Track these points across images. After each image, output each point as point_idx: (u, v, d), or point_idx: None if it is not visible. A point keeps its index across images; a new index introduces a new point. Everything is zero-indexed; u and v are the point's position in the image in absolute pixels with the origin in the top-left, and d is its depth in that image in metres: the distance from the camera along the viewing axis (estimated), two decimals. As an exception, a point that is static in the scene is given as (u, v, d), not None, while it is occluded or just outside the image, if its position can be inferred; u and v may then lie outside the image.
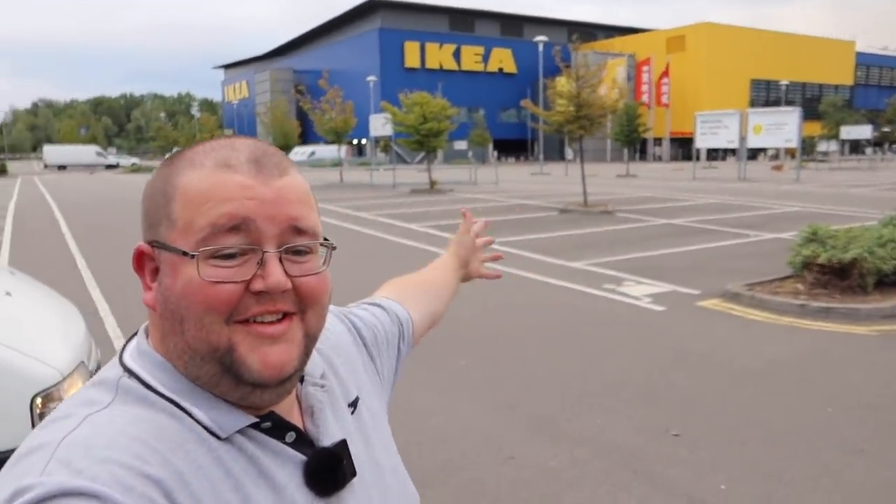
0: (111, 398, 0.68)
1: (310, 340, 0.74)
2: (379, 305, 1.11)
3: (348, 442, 0.79)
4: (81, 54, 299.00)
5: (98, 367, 3.79)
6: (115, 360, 0.74)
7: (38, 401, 2.60)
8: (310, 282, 0.72)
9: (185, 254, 0.68)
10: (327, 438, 0.77)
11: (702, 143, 33.90)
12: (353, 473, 0.77)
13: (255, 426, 0.72)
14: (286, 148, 36.24)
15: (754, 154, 46.75)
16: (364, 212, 17.42)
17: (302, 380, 0.80)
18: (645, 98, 61.46)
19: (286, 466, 0.72)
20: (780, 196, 20.67)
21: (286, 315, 0.71)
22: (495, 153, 55.66)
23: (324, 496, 0.73)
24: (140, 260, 0.73)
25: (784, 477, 3.66)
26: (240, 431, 0.70)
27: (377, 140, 50.55)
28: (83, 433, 0.62)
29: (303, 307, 0.72)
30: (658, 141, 63.37)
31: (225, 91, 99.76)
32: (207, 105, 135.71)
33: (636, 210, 16.86)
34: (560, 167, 43.52)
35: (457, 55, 68.03)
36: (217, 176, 0.70)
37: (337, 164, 36.39)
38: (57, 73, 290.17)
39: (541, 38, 42.56)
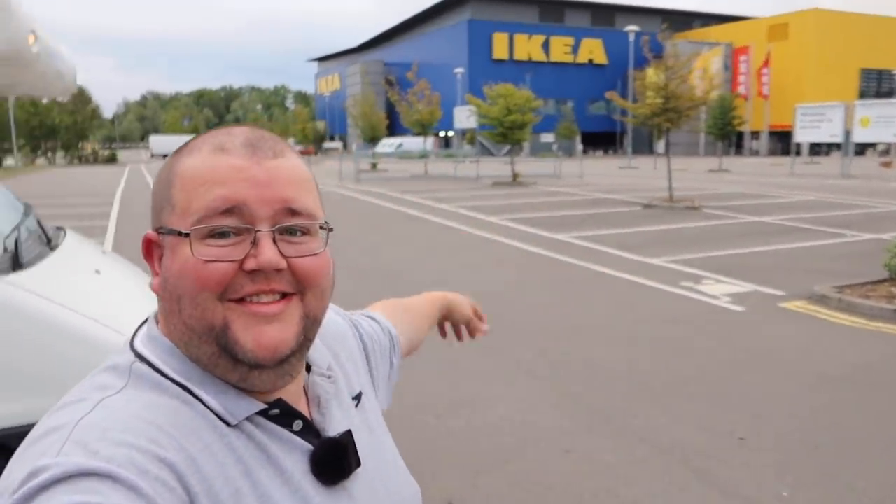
0: (124, 383, 0.69)
1: (309, 322, 0.74)
2: (372, 318, 1.11)
3: (353, 433, 0.79)
4: (186, 50, 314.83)
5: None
6: (126, 346, 0.74)
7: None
8: (306, 262, 0.72)
9: (180, 234, 0.70)
10: (333, 429, 0.78)
11: (802, 136, 32.12)
12: (358, 463, 0.78)
13: (263, 413, 0.72)
14: (374, 140, 36.98)
15: (862, 149, 43.90)
16: (445, 203, 17.59)
17: (309, 370, 0.81)
18: (742, 89, 58.76)
19: (293, 454, 0.73)
20: (886, 194, 19.37)
21: (285, 296, 0.72)
22: (579, 147, 54.71)
23: (329, 485, 0.74)
24: (148, 247, 0.75)
25: (856, 486, 3.52)
26: (248, 419, 0.71)
27: (463, 132, 50.79)
28: (99, 416, 0.63)
29: (301, 288, 0.72)
30: (756, 134, 60.49)
31: (318, 83, 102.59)
32: (301, 97, 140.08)
33: (725, 206, 16.25)
34: (649, 161, 42.34)
35: (545, 46, 67.21)
36: (212, 159, 0.71)
37: (423, 155, 36.84)
38: (164, 68, 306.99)
39: (632, 27, 41.43)
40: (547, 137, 56.07)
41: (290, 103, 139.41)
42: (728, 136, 38.08)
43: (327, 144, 69.73)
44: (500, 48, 65.55)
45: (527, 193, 20.66)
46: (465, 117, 28.46)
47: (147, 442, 0.62)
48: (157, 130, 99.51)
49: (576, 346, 5.82)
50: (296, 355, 0.73)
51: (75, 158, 54.61)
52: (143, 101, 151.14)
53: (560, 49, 67.75)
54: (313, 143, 71.64)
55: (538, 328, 6.32)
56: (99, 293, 3.17)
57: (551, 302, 7.35)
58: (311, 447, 0.74)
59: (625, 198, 18.69)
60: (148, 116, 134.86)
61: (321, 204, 0.77)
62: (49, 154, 53.08)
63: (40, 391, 2.67)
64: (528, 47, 66.48)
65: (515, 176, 24.42)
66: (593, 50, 68.78)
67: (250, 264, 0.69)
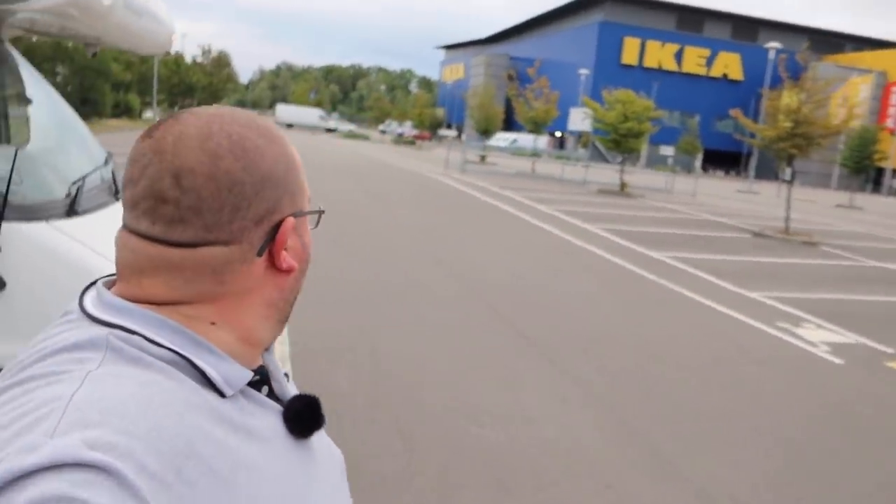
0: (100, 357, 0.61)
1: None
2: None
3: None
4: (321, 25, 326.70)
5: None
6: (82, 321, 0.65)
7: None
8: None
9: (314, 213, 0.77)
10: (287, 393, 0.76)
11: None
12: (323, 422, 0.76)
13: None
14: (486, 132, 36.86)
15: None
16: (544, 205, 17.22)
17: None
18: (890, 122, 54.20)
19: (268, 417, 0.70)
20: None
21: None
22: (697, 163, 52.23)
23: (302, 439, 0.73)
24: (283, 231, 0.71)
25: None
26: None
27: (579, 135, 49.76)
28: (92, 393, 0.56)
29: None
30: (898, 173, 55.71)
31: (443, 71, 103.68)
32: (425, 83, 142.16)
33: (846, 246, 14.97)
34: (772, 187, 39.92)
35: (678, 56, 64.66)
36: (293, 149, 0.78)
37: (535, 154, 36.38)
38: (300, 41, 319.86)
39: (774, 44, 39.01)
40: (667, 150, 53.89)
41: (413, 87, 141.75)
42: (865, 171, 35.21)
43: (442, 132, 70.48)
44: (629, 53, 63.67)
45: (631, 205, 19.90)
46: (580, 119, 27.80)
47: (147, 430, 0.55)
48: (285, 100, 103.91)
49: (644, 373, 5.45)
50: None
51: (207, 117, 57.74)
52: (277, 71, 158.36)
53: (694, 60, 64.98)
54: (430, 130, 72.51)
55: (608, 346, 5.98)
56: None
57: (628, 321, 6.95)
58: (280, 408, 0.72)
59: (735, 223, 17.61)
60: (279, 86, 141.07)
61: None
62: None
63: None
64: (660, 55, 64.18)
65: (623, 186, 23.61)
66: (729, 64, 65.53)
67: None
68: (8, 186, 2.65)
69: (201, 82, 55.16)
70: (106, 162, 3.76)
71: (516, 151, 49.09)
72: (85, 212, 3.08)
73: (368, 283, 7.39)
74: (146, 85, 45.09)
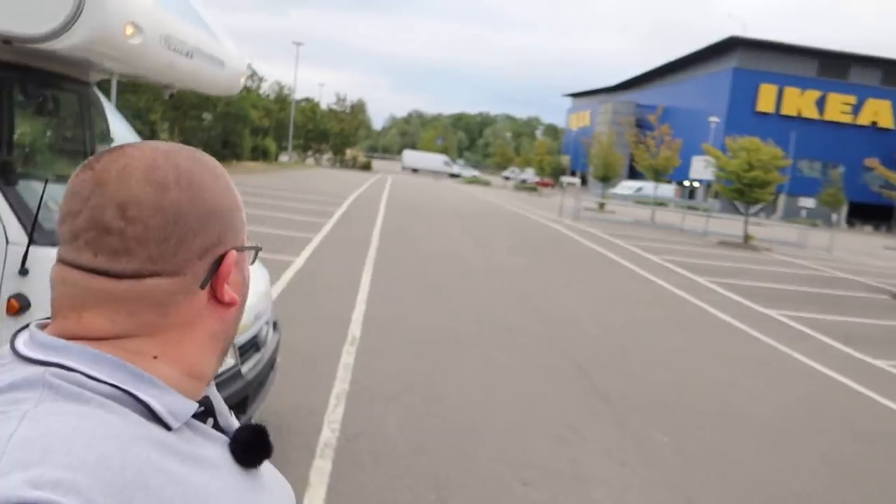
0: (37, 396, 0.58)
1: None
2: None
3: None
4: (452, 76, 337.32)
5: (274, 325, 4.07)
6: (15, 363, 0.63)
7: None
8: None
9: (246, 249, 0.76)
10: (232, 425, 0.75)
11: None
12: (271, 452, 0.74)
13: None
14: (605, 179, 36.11)
15: None
16: (654, 254, 16.44)
17: None
18: None
19: (216, 447, 0.69)
20: None
21: None
22: (839, 216, 48.32)
23: (251, 468, 0.71)
24: (223, 265, 0.72)
25: None
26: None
27: (708, 184, 47.53)
28: (31, 431, 0.54)
29: None
30: None
31: (569, 118, 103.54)
32: (551, 130, 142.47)
33: None
34: (929, 245, 36.09)
35: (820, 103, 60.71)
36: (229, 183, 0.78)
37: (660, 203, 35.05)
38: (430, 90, 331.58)
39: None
40: (807, 202, 50.46)
41: (539, 134, 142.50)
42: None
43: (565, 179, 70.03)
44: (765, 100, 60.57)
45: (753, 259, 18.58)
46: (702, 168, 26.55)
47: (93, 463, 0.54)
48: (413, 146, 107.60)
49: (724, 445, 4.90)
50: None
51: (337, 162, 61.06)
52: (408, 119, 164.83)
53: (837, 107, 60.75)
54: (553, 176, 72.21)
55: (689, 411, 5.46)
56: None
57: (719, 384, 6.34)
58: (227, 438, 0.71)
59: (873, 282, 15.95)
60: (409, 132, 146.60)
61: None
62: (316, 155, 59.96)
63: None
64: (799, 102, 60.55)
65: (748, 238, 22.13)
66: (878, 111, 60.66)
67: None
68: (37, 214, 2.81)
69: (334, 129, 58.35)
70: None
71: (639, 200, 47.70)
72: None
73: (448, 326, 7.26)
74: (283, 130, 48.32)
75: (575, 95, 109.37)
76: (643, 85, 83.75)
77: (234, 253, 0.71)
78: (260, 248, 0.79)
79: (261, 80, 45.60)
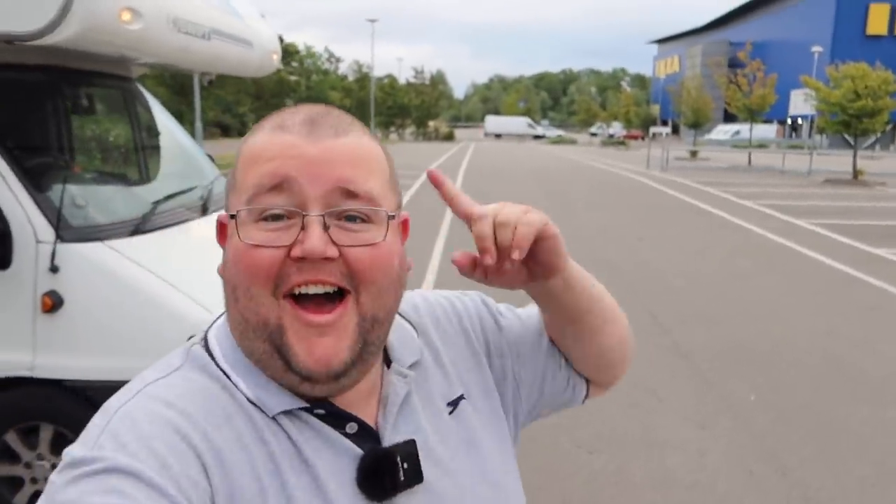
0: (179, 364, 0.70)
1: (367, 325, 0.68)
2: (519, 316, 0.95)
3: (427, 444, 0.74)
4: (530, 35, 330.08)
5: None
6: (207, 326, 0.75)
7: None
8: (361, 253, 0.66)
9: (232, 216, 0.67)
10: (397, 435, 0.72)
11: None
12: (418, 479, 0.71)
13: (308, 410, 0.69)
14: (697, 126, 34.30)
15: None
16: (749, 200, 15.40)
17: (390, 364, 0.76)
18: None
19: (339, 459, 0.68)
20: None
21: (340, 294, 0.66)
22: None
23: (373, 499, 0.68)
24: (221, 231, 0.72)
25: None
26: (291, 413, 0.68)
27: (812, 119, 44.14)
28: (135, 405, 0.64)
29: (355, 283, 0.67)
30: None
31: (656, 66, 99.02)
32: (639, 80, 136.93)
33: None
34: None
35: (941, 16, 54.92)
36: (269, 136, 0.68)
37: (762, 145, 32.87)
38: (509, 53, 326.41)
39: None
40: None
41: (626, 86, 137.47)
42: None
43: (654, 129, 67.26)
44: (876, 21, 55.34)
45: (863, 196, 17.09)
46: (801, 102, 24.62)
47: (172, 434, 0.62)
48: (497, 111, 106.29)
49: (825, 400, 4.47)
50: (355, 366, 0.68)
51: (420, 135, 61.29)
52: (489, 84, 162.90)
53: (963, 19, 54.76)
54: (642, 128, 69.48)
55: (784, 366, 5.02)
56: (207, 264, 3.22)
57: (820, 335, 5.81)
58: (362, 453, 0.69)
59: None
60: (491, 98, 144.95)
61: (396, 189, 0.74)
62: (399, 130, 60.39)
63: (120, 353, 2.81)
64: (916, 19, 55.00)
65: (858, 173, 20.38)
66: None
67: (297, 251, 0.65)
68: (59, 212, 2.84)
69: (414, 102, 58.45)
70: (211, 182, 3.94)
71: (737, 144, 45.04)
72: (155, 229, 3.20)
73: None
74: (364, 109, 48.86)
75: (661, 42, 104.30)
76: (736, 21, 78.60)
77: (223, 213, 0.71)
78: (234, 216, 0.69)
79: (338, 61, 46.20)
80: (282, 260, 0.65)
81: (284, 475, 0.66)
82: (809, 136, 42.39)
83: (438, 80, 64.75)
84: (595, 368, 0.93)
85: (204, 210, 3.61)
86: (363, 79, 51.56)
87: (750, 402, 4.39)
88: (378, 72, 65.94)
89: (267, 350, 0.67)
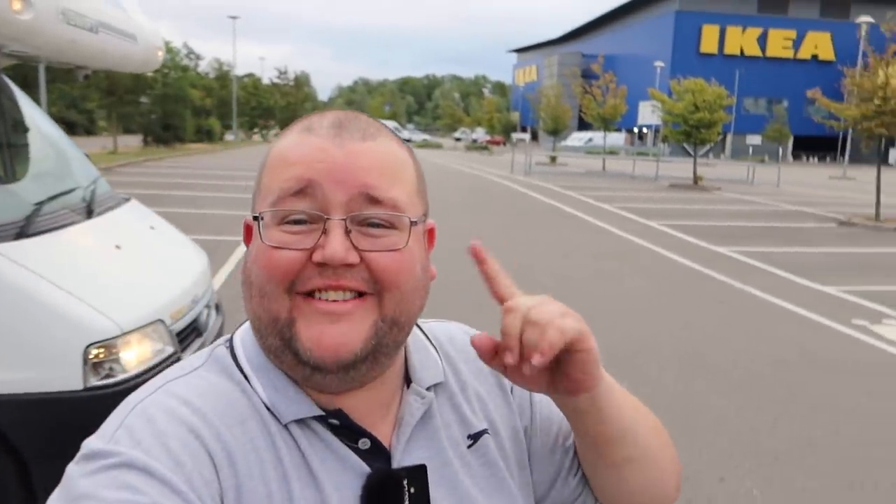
0: (200, 364, 0.71)
1: (385, 326, 0.67)
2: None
3: (442, 470, 0.72)
4: (393, 40, 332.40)
5: (217, 308, 3.92)
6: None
7: (94, 350, 2.69)
8: (383, 258, 0.65)
9: (255, 218, 0.67)
10: (408, 457, 0.71)
11: None
12: None
13: (322, 420, 0.68)
14: (555, 132, 36.22)
15: None
16: (607, 203, 16.55)
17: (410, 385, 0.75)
18: None
19: (346, 475, 0.67)
20: None
21: (361, 295, 0.65)
22: (781, 151, 49.36)
23: None
24: (247, 233, 0.71)
25: None
26: (304, 422, 0.68)
27: (656, 129, 48.01)
28: (154, 401, 0.65)
29: (377, 288, 0.66)
30: None
31: (515, 74, 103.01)
32: (499, 87, 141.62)
33: (948, 231, 13.58)
34: (871, 172, 37.19)
35: (762, 40, 61.46)
36: (297, 139, 0.68)
37: (612, 152, 35.15)
38: (372, 56, 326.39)
39: (865, 18, 36.27)
40: (753, 139, 51.32)
41: (487, 93, 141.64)
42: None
43: (516, 135, 69.87)
44: (708, 41, 61.04)
45: (703, 199, 18.88)
46: (649, 113, 26.72)
47: (187, 433, 0.63)
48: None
49: (682, 381, 4.96)
50: (366, 362, 0.66)
51: (285, 136, 59.75)
52: (353, 87, 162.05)
53: (779, 43, 61.59)
54: (504, 134, 72.00)
55: (650, 356, 5.50)
56: (103, 270, 3.08)
57: (679, 326, 6.42)
58: (370, 472, 0.68)
59: (819, 212, 16.36)
60: (356, 101, 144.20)
61: (423, 197, 0.73)
62: (263, 131, 58.66)
63: (16, 364, 2.63)
64: (742, 41, 61.20)
65: (697, 179, 22.45)
66: (819, 44, 61.73)
67: (317, 256, 0.64)
68: None
69: (279, 103, 56.95)
70: (90, 181, 3.72)
71: (590, 150, 47.92)
72: (41, 232, 3.01)
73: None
74: (226, 109, 46.97)
75: (520, 51, 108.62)
76: (588, 34, 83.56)
77: (248, 219, 0.71)
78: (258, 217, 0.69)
79: (198, 58, 44.10)
80: (303, 263, 0.65)
81: (291, 484, 0.65)
82: (654, 143, 45.94)
83: (303, 80, 63.45)
84: (611, 503, 0.84)
85: (89, 213, 3.43)
86: (224, 77, 49.55)
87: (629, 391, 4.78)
88: (239, 70, 63.63)
89: (279, 346, 0.66)
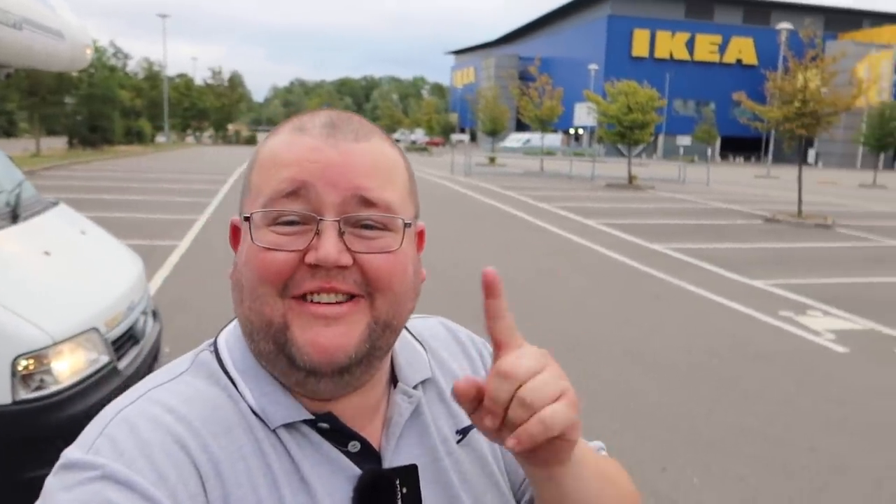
0: (185, 369, 0.69)
1: (378, 329, 0.66)
2: None
3: (432, 467, 0.71)
4: (329, 41, 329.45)
5: (154, 314, 3.80)
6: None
7: (23, 362, 2.57)
8: (376, 260, 0.64)
9: (246, 219, 0.66)
10: (399, 457, 0.70)
11: (979, 153, 28.20)
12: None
13: (311, 424, 0.67)
14: (494, 133, 36.60)
15: None
16: (546, 203, 16.83)
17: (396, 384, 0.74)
18: (913, 97, 52.76)
19: (336, 478, 0.66)
20: None
21: (352, 298, 0.64)
22: (710, 152, 51.23)
23: None
24: (234, 234, 0.70)
25: None
26: (293, 426, 0.66)
27: (592, 130, 49.13)
28: (135, 410, 0.63)
29: (370, 290, 0.65)
30: (926, 148, 54.15)
31: (453, 76, 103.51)
32: (437, 89, 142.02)
33: (863, 227, 14.36)
34: (793, 171, 38.99)
35: (690, 44, 63.69)
36: (288, 139, 0.67)
37: (549, 152, 35.74)
38: (309, 57, 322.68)
39: (785, 25, 38.06)
40: (683, 140, 53.09)
41: (426, 94, 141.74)
42: (887, 149, 34.12)
43: (455, 136, 70.17)
44: (639, 45, 62.87)
45: (638, 198, 19.41)
46: (584, 114, 27.30)
47: (171, 442, 0.61)
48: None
49: (623, 374, 5.08)
50: (360, 365, 0.66)
51: (219, 138, 58.46)
52: (290, 88, 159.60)
53: (706, 48, 63.96)
54: (443, 135, 72.29)
55: (591, 351, 5.62)
56: (32, 277, 2.95)
57: (618, 321, 6.58)
58: (360, 473, 0.67)
59: (746, 209, 17.05)
60: (293, 102, 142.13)
61: (414, 198, 0.72)
62: (197, 133, 57.15)
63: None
64: (671, 45, 63.29)
65: (632, 179, 23.07)
66: (742, 49, 64.39)
67: (310, 257, 0.63)
68: None
69: (213, 105, 55.59)
70: (16, 185, 3.56)
71: (528, 151, 48.55)
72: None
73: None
74: (157, 110, 45.54)
75: (457, 52, 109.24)
76: (525, 37, 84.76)
77: (235, 219, 0.71)
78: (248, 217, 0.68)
79: (126, 57, 42.60)
80: (295, 264, 0.63)
81: (282, 490, 0.64)
82: (590, 144, 46.98)
83: (237, 81, 62.13)
84: None
85: (14, 218, 3.28)
86: (155, 77, 48.02)
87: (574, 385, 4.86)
88: (171, 71, 61.86)
89: (272, 350, 0.65)
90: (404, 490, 0.68)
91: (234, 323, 0.72)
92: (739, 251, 10.78)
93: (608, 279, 8.50)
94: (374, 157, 0.67)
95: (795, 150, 15.85)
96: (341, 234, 0.63)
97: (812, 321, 6.74)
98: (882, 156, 35.14)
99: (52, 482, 0.59)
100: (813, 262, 10.10)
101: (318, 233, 0.63)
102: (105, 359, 2.87)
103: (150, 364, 3.41)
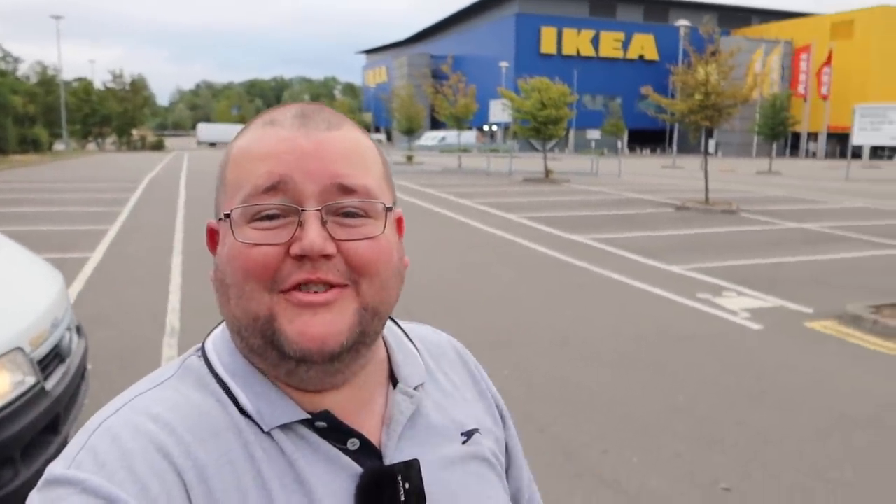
0: (171, 375, 0.68)
1: (367, 315, 0.65)
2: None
3: (435, 466, 0.70)
4: (236, 42, 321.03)
5: (77, 330, 3.60)
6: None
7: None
8: (360, 247, 0.64)
9: (226, 217, 0.65)
10: (401, 455, 0.69)
11: (861, 139, 30.50)
12: (421, 501, 0.67)
13: (308, 424, 0.66)
14: (410, 132, 36.66)
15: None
16: (467, 199, 17.00)
17: (396, 384, 0.74)
18: (801, 89, 56.43)
19: (337, 477, 0.65)
20: (946, 203, 18.00)
21: (337, 287, 0.63)
22: (619, 144, 53.16)
23: None
24: (211, 237, 0.70)
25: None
26: (289, 427, 0.65)
27: (506, 126, 50.00)
28: (119, 420, 0.62)
29: (355, 278, 0.64)
30: (813, 136, 58.07)
31: (365, 76, 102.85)
32: (349, 89, 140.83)
33: (765, 211, 15.26)
34: (696, 161, 40.95)
35: (595, 41, 65.73)
36: (260, 133, 0.67)
37: (465, 150, 36.07)
38: (216, 58, 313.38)
39: (683, 22, 39.94)
40: (593, 134, 54.81)
41: (338, 94, 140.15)
42: (779, 137, 36.37)
43: (371, 136, 69.73)
44: (547, 43, 64.36)
45: (555, 191, 19.90)
46: (499, 111, 27.75)
47: (154, 451, 0.60)
48: (208, 119, 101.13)
49: (556, 363, 5.20)
50: (350, 352, 0.65)
51: (124, 145, 55.88)
52: (196, 91, 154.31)
53: (610, 44, 66.17)
54: (357, 135, 71.53)
55: (521, 342, 5.72)
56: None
57: (545, 311, 6.72)
58: (363, 471, 0.66)
59: (658, 198, 17.78)
60: (200, 105, 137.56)
61: (390, 184, 0.72)
62: (99, 139, 54.40)
63: None
64: (577, 42, 65.10)
65: (548, 173, 23.62)
66: (644, 45, 66.99)
67: (295, 248, 0.62)
68: None
69: (115, 109, 53.04)
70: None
71: (445, 149, 48.84)
72: None
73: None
74: (55, 116, 43.03)
75: (369, 52, 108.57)
76: (435, 36, 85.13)
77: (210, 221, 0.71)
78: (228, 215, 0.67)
79: (16, 61, 39.99)
80: (280, 258, 0.62)
81: (273, 493, 0.63)
82: (504, 140, 47.74)
83: (140, 85, 59.54)
84: None
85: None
86: (50, 82, 45.31)
87: (504, 377, 4.93)
88: (67, 75, 58.62)
89: (261, 344, 0.64)
90: (407, 486, 0.67)
91: (222, 327, 0.71)
92: (655, 238, 11.23)
93: (533, 271, 8.67)
94: (348, 145, 0.67)
95: (699, 140, 16.65)
96: (324, 223, 0.63)
97: (728, 301, 7.10)
98: (775, 144, 37.40)
99: (34, 498, 0.58)
100: (723, 245, 10.64)
101: (300, 224, 0.62)
102: (31, 380, 2.70)
103: (77, 383, 3.24)
